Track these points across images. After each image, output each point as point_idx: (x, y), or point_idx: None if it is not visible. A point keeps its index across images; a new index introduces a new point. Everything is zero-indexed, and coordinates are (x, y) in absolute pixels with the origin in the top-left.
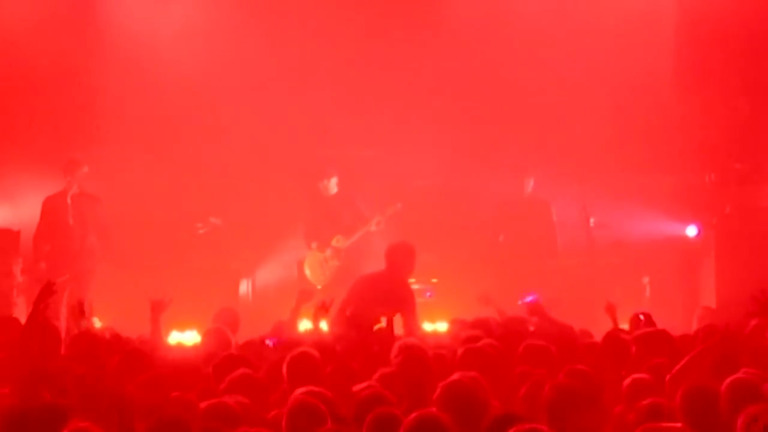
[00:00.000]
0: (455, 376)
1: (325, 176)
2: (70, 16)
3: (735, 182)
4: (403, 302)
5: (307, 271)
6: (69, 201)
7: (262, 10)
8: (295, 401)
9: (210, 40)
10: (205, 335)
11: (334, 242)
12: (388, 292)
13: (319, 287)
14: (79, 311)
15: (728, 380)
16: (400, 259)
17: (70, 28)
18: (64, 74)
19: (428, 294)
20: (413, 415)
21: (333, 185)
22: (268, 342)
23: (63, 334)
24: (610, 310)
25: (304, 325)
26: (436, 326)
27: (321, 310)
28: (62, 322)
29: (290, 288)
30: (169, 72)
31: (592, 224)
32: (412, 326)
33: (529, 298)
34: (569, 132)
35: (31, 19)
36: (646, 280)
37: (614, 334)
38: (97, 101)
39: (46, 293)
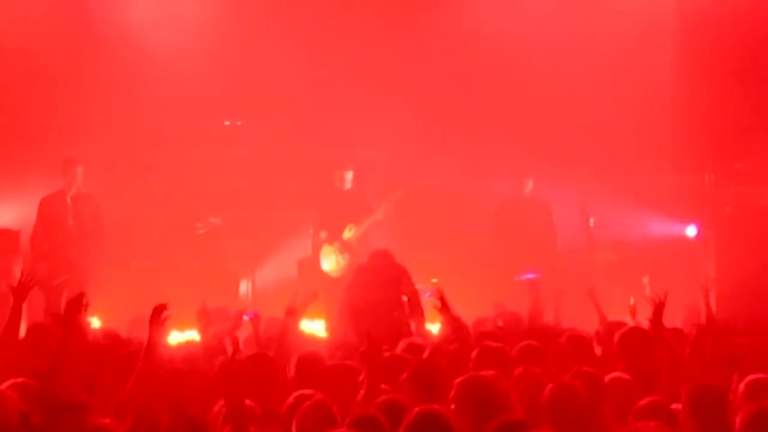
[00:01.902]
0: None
1: (343, 168)
2: (69, 17)
3: (735, 182)
4: (400, 276)
5: (324, 264)
6: (69, 201)
7: (266, 9)
8: (307, 403)
9: (212, 39)
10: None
11: (345, 232)
12: (384, 269)
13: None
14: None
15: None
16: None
17: (70, 28)
18: (64, 74)
19: (428, 294)
20: (417, 410)
21: (349, 179)
22: (245, 317)
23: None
24: (591, 295)
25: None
26: (436, 326)
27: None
28: None
29: (290, 288)
30: (170, 71)
31: (592, 224)
32: (415, 303)
33: (529, 275)
34: (569, 132)
35: (30, 19)
36: (646, 280)
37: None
38: (97, 100)
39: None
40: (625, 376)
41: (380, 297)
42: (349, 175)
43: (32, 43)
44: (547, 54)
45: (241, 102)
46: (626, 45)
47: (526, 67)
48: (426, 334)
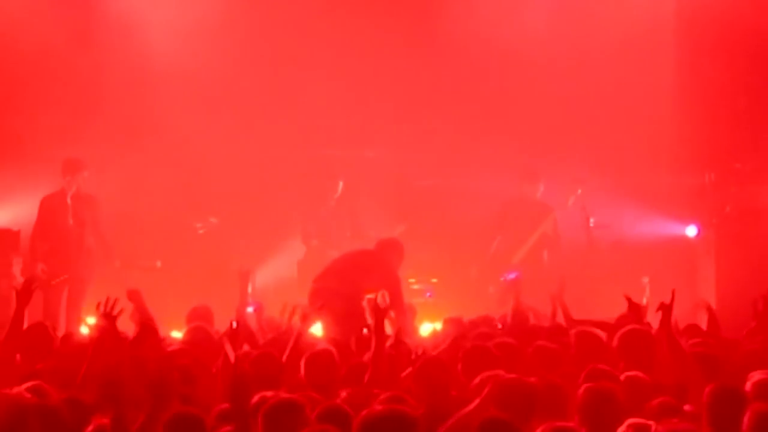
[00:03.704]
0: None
1: (335, 176)
2: (69, 15)
3: (735, 182)
4: (386, 279)
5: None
6: (69, 201)
7: (262, 8)
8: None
9: (213, 39)
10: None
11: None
12: (372, 268)
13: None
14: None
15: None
16: (389, 251)
17: (69, 26)
18: (63, 72)
19: (428, 294)
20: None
21: (340, 188)
22: (248, 309)
23: (62, 334)
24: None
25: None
26: (435, 326)
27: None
28: (61, 322)
29: (290, 288)
30: (170, 70)
31: (592, 224)
32: (398, 306)
33: (511, 275)
34: (569, 132)
35: (30, 18)
36: (646, 280)
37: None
38: (97, 99)
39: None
40: (639, 375)
41: (334, 286)
42: (340, 184)
43: (31, 42)
44: (547, 54)
45: (241, 102)
46: (627, 45)
47: (526, 68)
48: (409, 332)
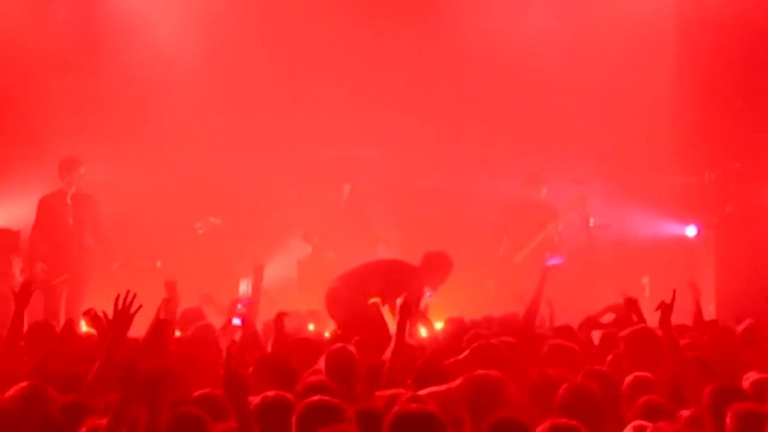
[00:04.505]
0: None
1: (341, 179)
2: (69, 14)
3: (735, 182)
4: (398, 291)
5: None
6: (69, 201)
7: (264, 8)
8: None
9: (211, 37)
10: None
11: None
12: (390, 277)
13: None
14: None
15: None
16: (428, 265)
17: (69, 26)
18: (63, 72)
19: (428, 294)
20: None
21: (347, 191)
22: (239, 305)
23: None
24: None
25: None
26: (436, 326)
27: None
28: (61, 321)
29: (290, 288)
30: (169, 69)
31: (592, 224)
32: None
33: (554, 261)
34: (569, 132)
35: (30, 17)
36: (646, 280)
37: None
38: (97, 99)
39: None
40: (642, 375)
41: (343, 290)
42: (347, 188)
43: (31, 41)
44: (547, 55)
45: (242, 101)
46: (627, 45)
47: (526, 68)
48: (415, 335)
